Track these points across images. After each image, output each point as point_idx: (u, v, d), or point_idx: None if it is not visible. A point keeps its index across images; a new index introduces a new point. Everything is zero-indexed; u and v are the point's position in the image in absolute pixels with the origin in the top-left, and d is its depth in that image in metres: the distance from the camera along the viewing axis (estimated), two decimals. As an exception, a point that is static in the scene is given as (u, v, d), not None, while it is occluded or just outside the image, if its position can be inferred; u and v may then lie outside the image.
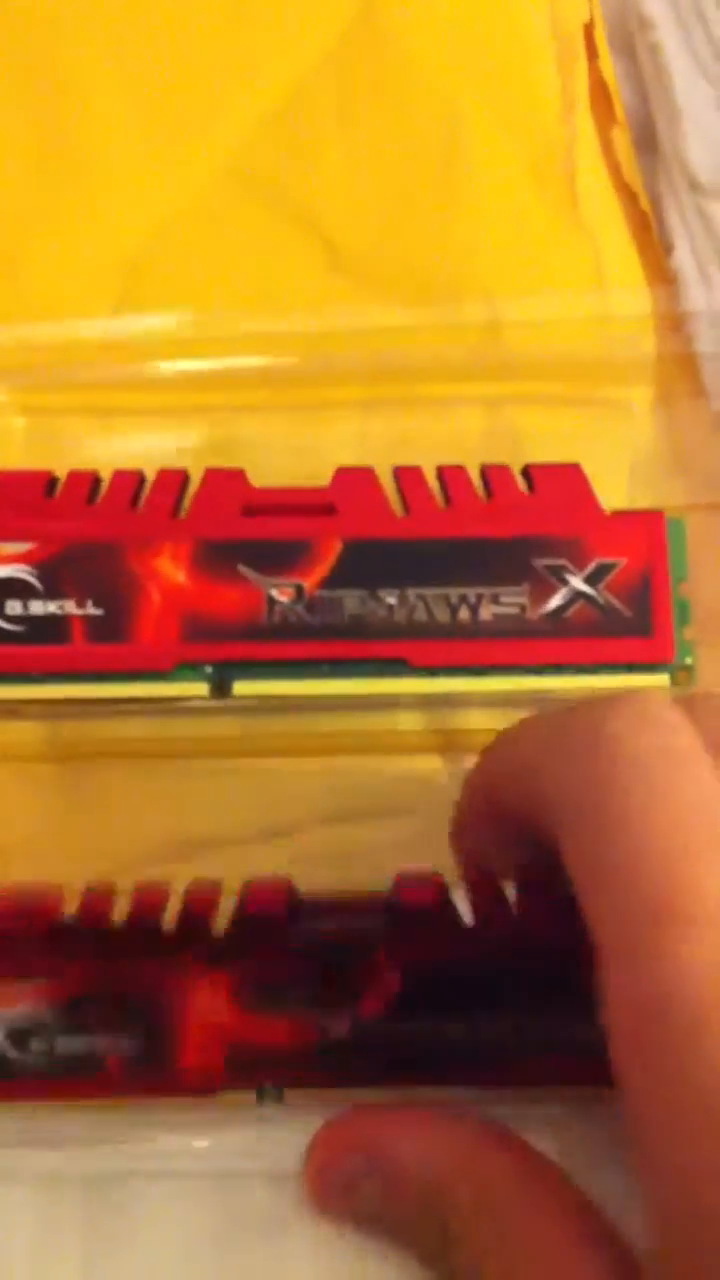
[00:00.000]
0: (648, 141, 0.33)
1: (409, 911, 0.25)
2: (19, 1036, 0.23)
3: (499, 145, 0.33)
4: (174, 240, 0.32)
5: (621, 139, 0.33)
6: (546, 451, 0.29)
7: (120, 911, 0.25)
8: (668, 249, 0.32)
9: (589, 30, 0.34)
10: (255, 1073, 0.24)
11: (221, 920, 0.25)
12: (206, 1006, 0.24)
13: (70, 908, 0.25)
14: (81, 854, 0.29)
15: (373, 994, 0.23)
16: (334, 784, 0.29)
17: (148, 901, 0.25)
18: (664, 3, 0.33)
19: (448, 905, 0.25)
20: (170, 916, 0.25)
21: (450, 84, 0.33)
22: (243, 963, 0.24)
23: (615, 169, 0.33)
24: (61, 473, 0.29)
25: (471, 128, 0.33)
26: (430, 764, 0.29)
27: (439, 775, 0.29)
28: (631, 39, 0.34)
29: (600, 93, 0.33)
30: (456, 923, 0.25)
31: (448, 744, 0.29)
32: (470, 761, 0.27)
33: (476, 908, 0.25)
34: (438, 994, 0.24)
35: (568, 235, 0.32)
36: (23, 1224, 0.25)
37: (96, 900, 0.25)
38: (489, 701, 0.29)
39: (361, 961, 0.24)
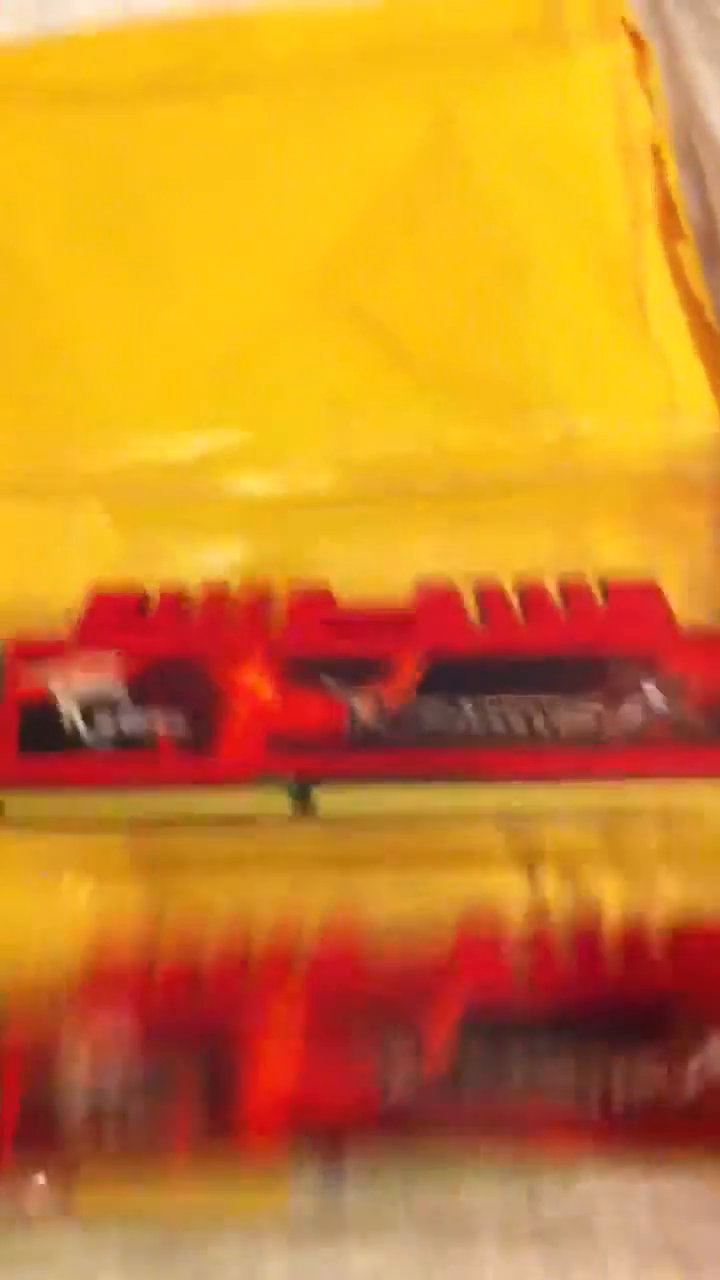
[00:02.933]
0: (712, 253, 0.34)
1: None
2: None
3: (568, 261, 0.34)
4: (254, 357, 0.33)
5: (688, 252, 0.34)
6: (619, 566, 0.30)
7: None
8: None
9: (656, 144, 0.34)
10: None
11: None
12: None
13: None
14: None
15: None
16: (412, 900, 0.29)
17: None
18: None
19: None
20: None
21: (519, 200, 0.34)
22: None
23: (682, 282, 0.33)
24: (153, 587, 0.30)
25: (540, 244, 0.34)
26: (510, 879, 0.30)
27: (518, 891, 0.30)
28: (694, 150, 0.35)
29: (666, 206, 0.34)
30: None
31: (528, 858, 0.30)
32: (551, 876, 0.28)
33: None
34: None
35: (637, 350, 0.33)
36: None
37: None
38: (568, 814, 0.29)
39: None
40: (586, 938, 0.28)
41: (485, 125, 0.35)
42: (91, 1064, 0.26)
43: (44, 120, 0.36)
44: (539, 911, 0.28)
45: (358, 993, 0.27)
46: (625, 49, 0.36)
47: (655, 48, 0.36)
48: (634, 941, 0.27)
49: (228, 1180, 0.26)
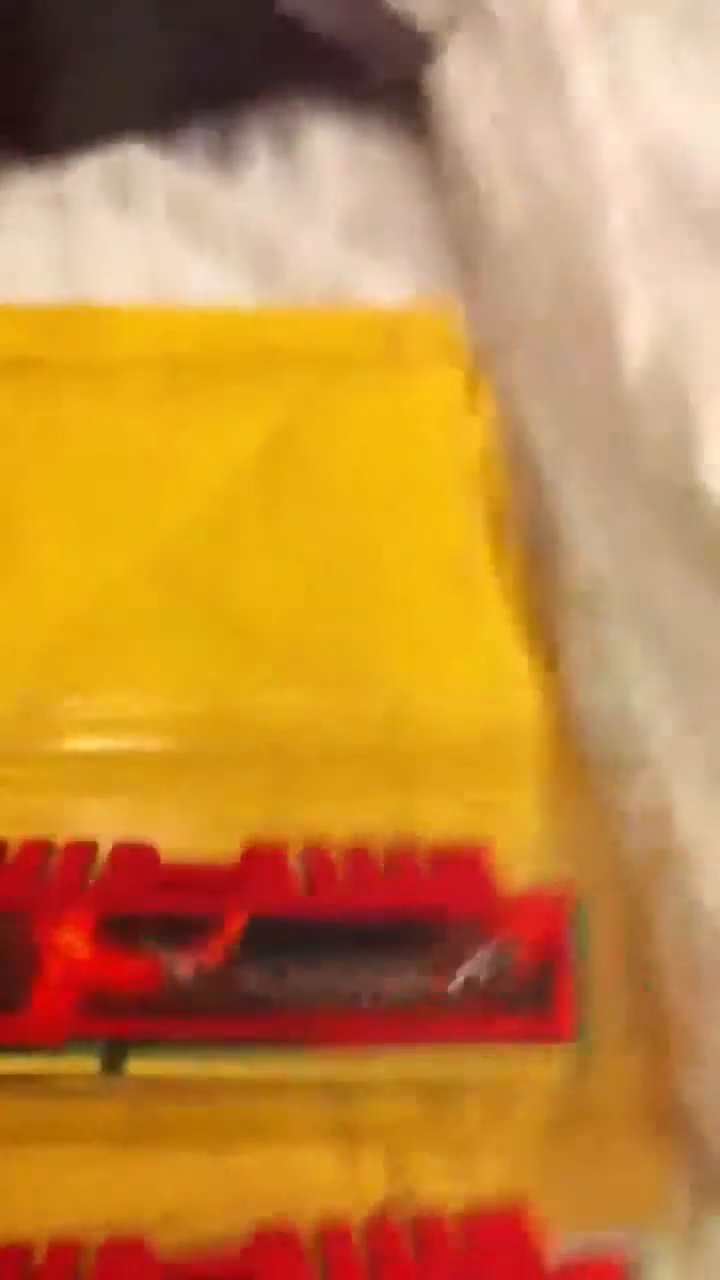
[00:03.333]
0: (538, 555, 0.37)
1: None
2: None
3: (404, 554, 0.35)
4: (92, 630, 0.34)
5: (514, 555, 0.36)
6: (444, 836, 0.30)
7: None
8: (559, 657, 0.35)
9: (485, 456, 0.37)
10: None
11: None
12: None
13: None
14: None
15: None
16: (225, 1179, 0.28)
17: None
18: (548, 441, 0.37)
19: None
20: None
21: (361, 498, 0.36)
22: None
23: (511, 585, 0.36)
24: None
25: (379, 539, 0.36)
26: (323, 1156, 0.28)
27: (332, 1168, 0.28)
28: (522, 468, 0.38)
29: (496, 517, 0.37)
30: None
31: (346, 1133, 0.29)
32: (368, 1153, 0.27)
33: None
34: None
35: (465, 638, 0.34)
36: None
37: None
38: (393, 1090, 0.28)
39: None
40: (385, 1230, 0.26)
41: (331, 429, 0.37)
42: None
43: None
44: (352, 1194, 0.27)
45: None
46: (458, 378, 0.39)
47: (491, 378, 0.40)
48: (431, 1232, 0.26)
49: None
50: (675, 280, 0.37)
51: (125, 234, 0.45)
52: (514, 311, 0.40)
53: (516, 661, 0.34)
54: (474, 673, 0.34)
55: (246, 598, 0.34)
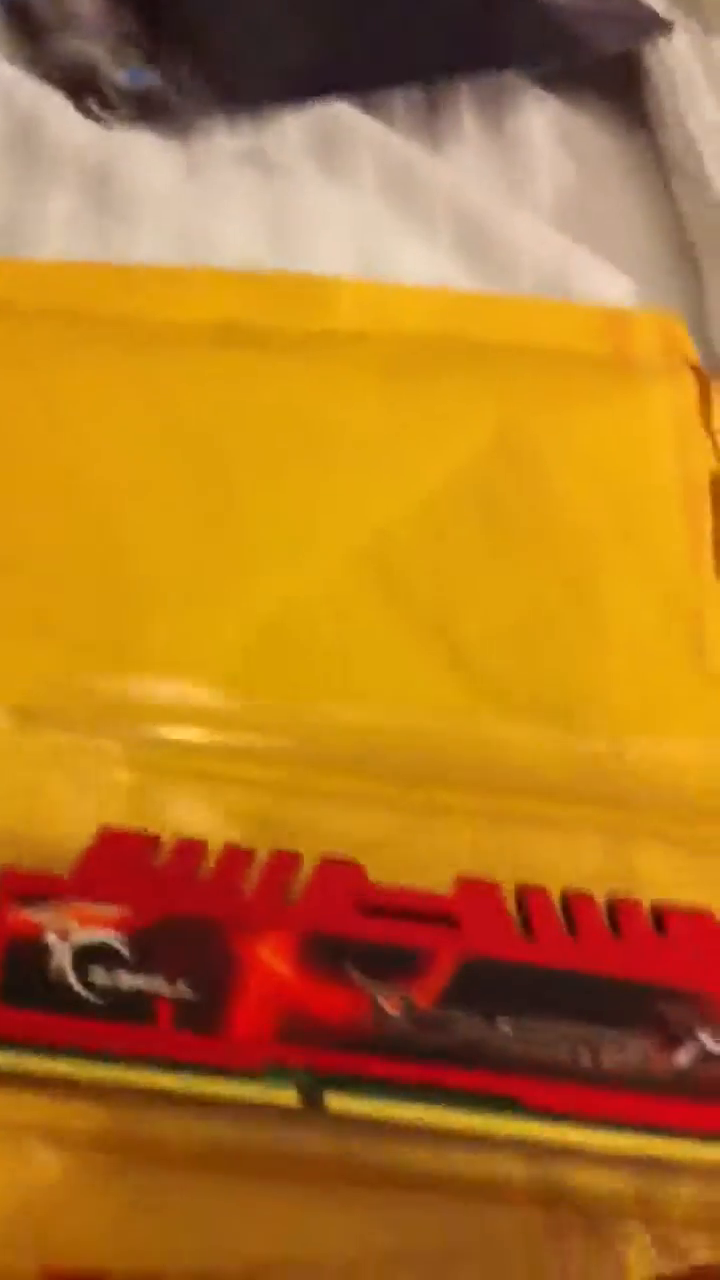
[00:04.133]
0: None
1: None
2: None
3: (627, 582, 0.33)
4: (306, 628, 0.32)
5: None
6: (664, 891, 0.28)
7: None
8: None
9: (716, 482, 0.35)
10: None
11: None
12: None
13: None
14: (132, 1254, 0.25)
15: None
16: (422, 1224, 0.26)
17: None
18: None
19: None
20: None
21: (583, 517, 0.34)
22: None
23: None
24: (168, 838, 0.27)
25: (602, 563, 0.33)
26: (529, 1217, 0.26)
27: (536, 1230, 0.26)
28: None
29: (727, 544, 0.34)
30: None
31: (552, 1198, 0.27)
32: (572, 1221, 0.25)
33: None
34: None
35: (691, 678, 0.32)
36: None
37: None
38: (603, 1159, 0.26)
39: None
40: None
41: (554, 436, 0.35)
42: None
43: (119, 356, 0.35)
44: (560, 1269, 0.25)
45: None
46: (690, 386, 0.36)
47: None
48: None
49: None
50: None
51: (334, 199, 0.43)
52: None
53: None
54: (698, 713, 0.32)
55: (468, 618, 0.32)
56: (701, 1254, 0.26)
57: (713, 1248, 0.26)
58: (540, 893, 0.27)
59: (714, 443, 0.36)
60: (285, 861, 0.27)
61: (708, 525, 0.34)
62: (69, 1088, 0.26)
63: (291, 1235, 0.26)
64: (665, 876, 0.29)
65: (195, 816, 0.29)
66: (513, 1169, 0.26)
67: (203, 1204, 0.26)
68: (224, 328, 0.36)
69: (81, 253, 0.39)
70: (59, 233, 0.39)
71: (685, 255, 0.43)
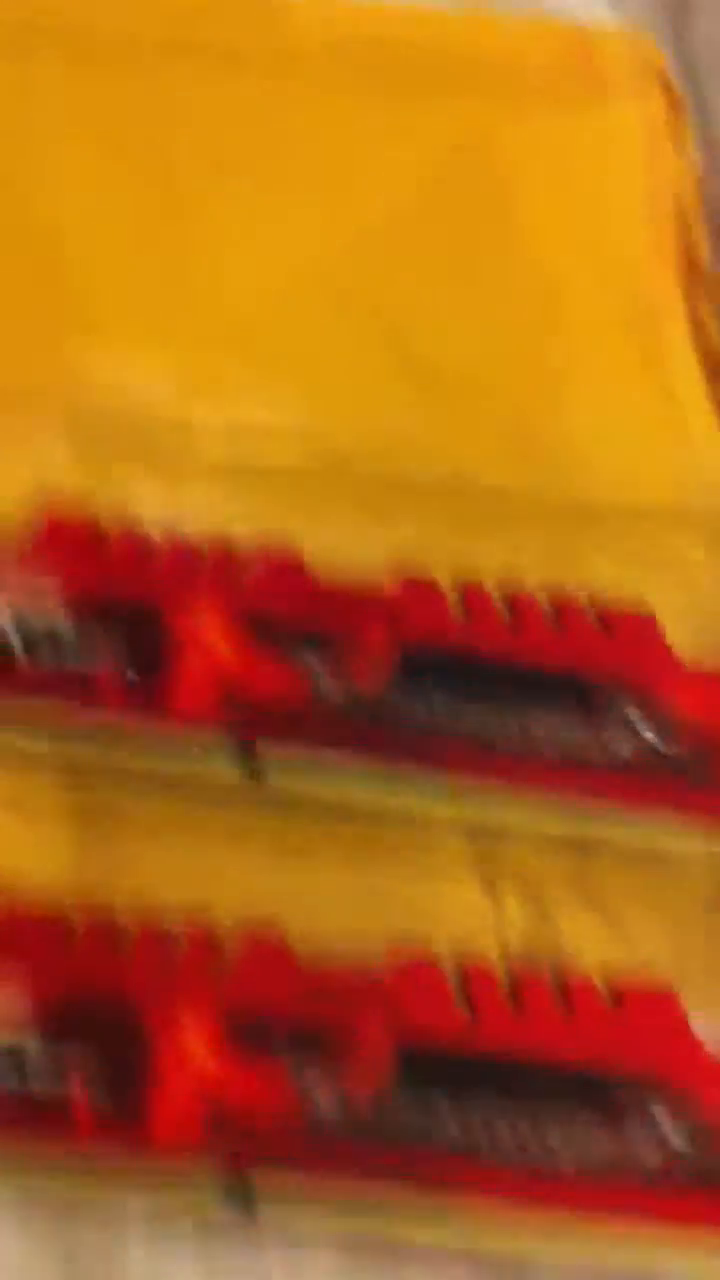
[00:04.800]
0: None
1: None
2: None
3: (590, 296, 0.33)
4: (262, 331, 0.31)
5: (705, 306, 0.33)
6: (612, 593, 0.28)
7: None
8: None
9: (682, 200, 0.34)
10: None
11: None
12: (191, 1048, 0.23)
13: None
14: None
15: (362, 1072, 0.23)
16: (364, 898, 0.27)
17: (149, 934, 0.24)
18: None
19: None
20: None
21: (547, 230, 0.33)
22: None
23: (700, 331, 0.33)
24: (110, 519, 0.27)
25: (564, 276, 0.33)
26: (467, 893, 0.27)
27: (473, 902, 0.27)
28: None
29: (689, 259, 0.34)
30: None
31: (489, 872, 0.27)
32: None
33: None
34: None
35: (651, 389, 0.32)
36: None
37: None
38: (535, 837, 0.27)
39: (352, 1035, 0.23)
40: (530, 979, 0.25)
41: (518, 149, 0.34)
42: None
43: (67, 68, 0.34)
44: (497, 935, 0.26)
45: (281, 1006, 0.24)
46: (660, 104, 0.35)
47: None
48: (582, 993, 0.25)
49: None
50: None
51: None
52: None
53: (701, 417, 0.32)
54: (655, 426, 0.31)
55: (423, 329, 0.32)
56: (649, 943, 0.27)
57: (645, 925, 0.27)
58: (479, 584, 0.27)
59: (681, 161, 0.35)
60: (226, 548, 0.27)
61: (671, 241, 0.34)
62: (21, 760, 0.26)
63: (243, 899, 0.26)
64: (612, 581, 0.29)
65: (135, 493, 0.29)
66: (454, 844, 0.27)
67: (159, 865, 0.26)
68: (176, 41, 0.34)
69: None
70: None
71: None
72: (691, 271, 0.34)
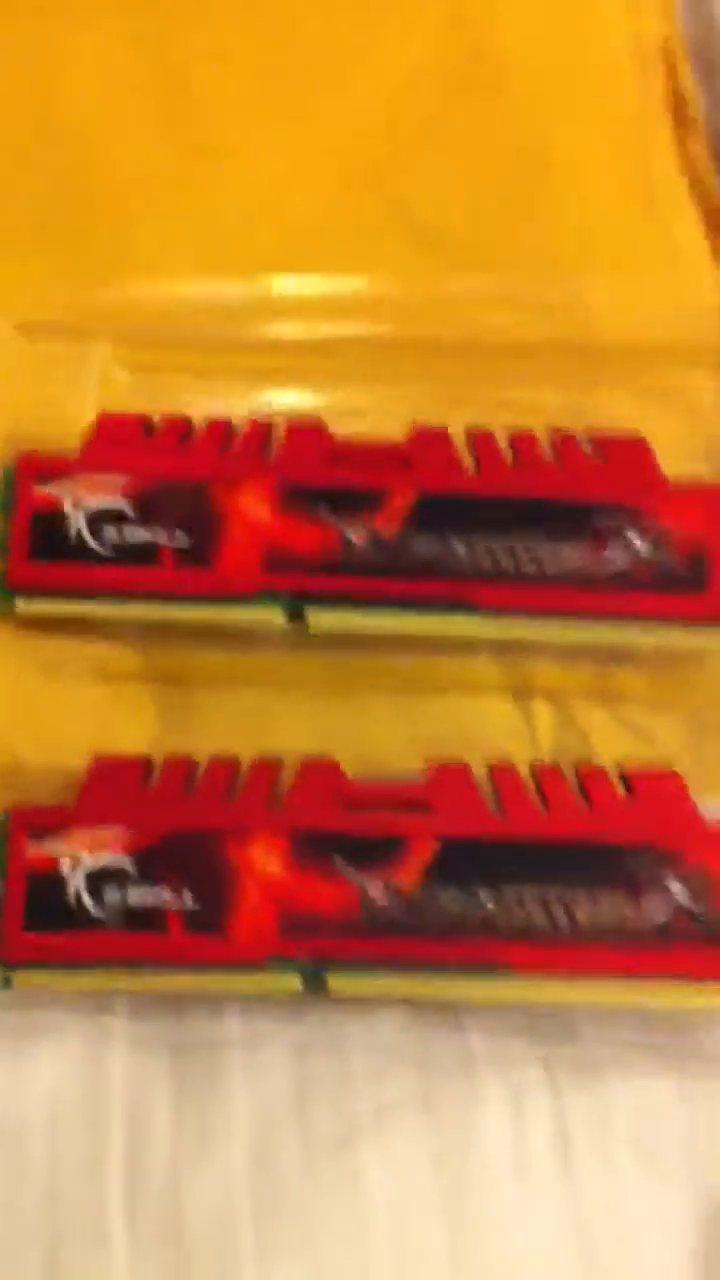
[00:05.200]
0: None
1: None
2: (96, 885, 0.27)
3: (583, 146, 0.35)
4: (276, 212, 0.34)
5: (696, 143, 0.35)
6: (616, 423, 0.31)
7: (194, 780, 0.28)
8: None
9: (668, 45, 0.36)
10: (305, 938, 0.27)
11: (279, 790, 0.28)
12: (263, 866, 0.27)
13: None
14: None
15: (409, 864, 0.27)
16: (409, 723, 0.31)
17: (219, 772, 0.28)
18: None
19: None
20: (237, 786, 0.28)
21: (538, 91, 0.36)
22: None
23: (691, 169, 0.35)
24: (157, 416, 0.31)
25: (557, 131, 0.35)
26: (501, 708, 0.31)
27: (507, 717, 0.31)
28: (712, 64, 0.37)
29: (678, 102, 0.36)
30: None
31: (520, 689, 0.32)
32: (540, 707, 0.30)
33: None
34: (468, 866, 0.27)
35: (645, 226, 0.34)
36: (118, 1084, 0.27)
37: (176, 767, 0.29)
38: (558, 650, 0.31)
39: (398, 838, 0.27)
40: (554, 776, 0.29)
41: (509, 16, 0.36)
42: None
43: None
44: (529, 740, 0.31)
45: (336, 820, 0.28)
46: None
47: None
48: (597, 782, 0.29)
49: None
50: None
51: None
52: None
53: (698, 248, 0.34)
54: (654, 265, 0.34)
55: (425, 188, 0.35)
56: (665, 737, 0.31)
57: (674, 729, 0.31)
58: (486, 433, 0.30)
59: (664, 9, 0.36)
60: (260, 427, 0.31)
61: (659, 83, 0.36)
62: (102, 630, 0.31)
63: (299, 735, 0.31)
64: (615, 412, 0.32)
65: (186, 402, 0.32)
66: (485, 667, 0.31)
67: (217, 712, 0.31)
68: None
69: None
70: None
71: None
72: (682, 114, 0.35)
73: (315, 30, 0.36)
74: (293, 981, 0.28)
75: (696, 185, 0.35)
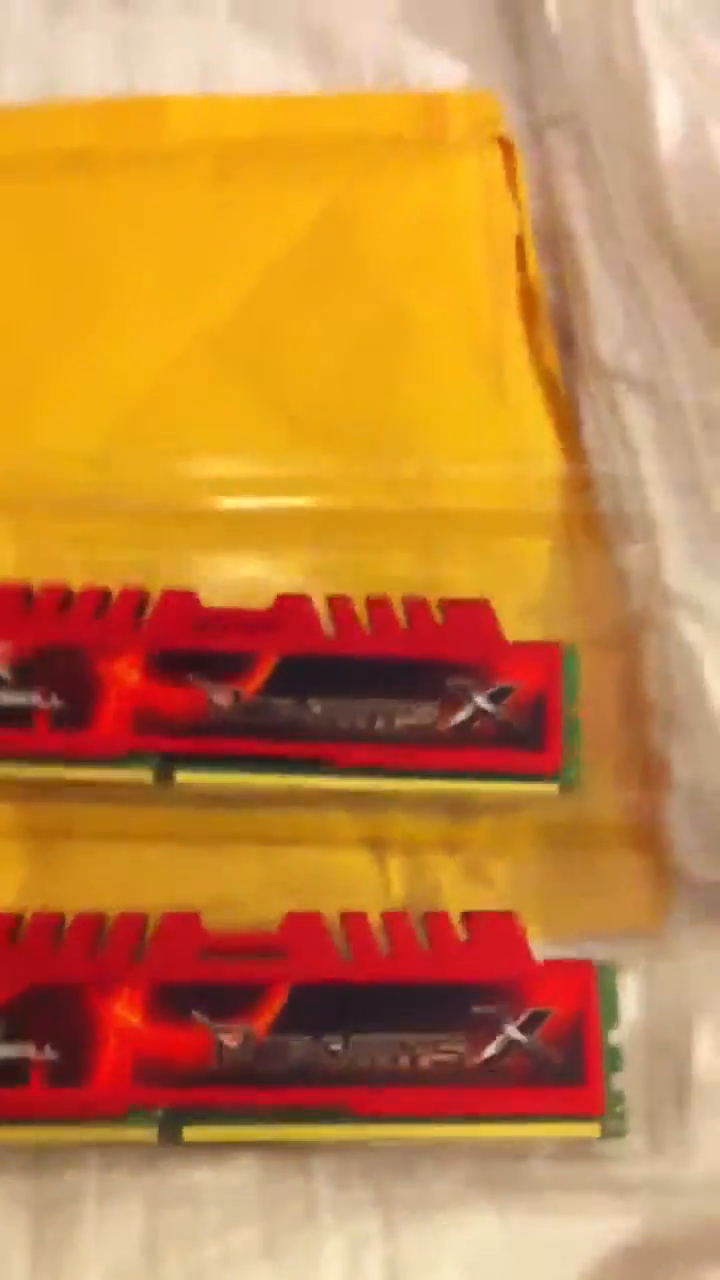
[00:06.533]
0: (567, 338, 0.39)
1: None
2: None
3: (438, 332, 0.38)
4: (158, 397, 0.37)
5: (544, 334, 0.38)
6: (462, 590, 0.34)
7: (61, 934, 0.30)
8: (579, 426, 0.37)
9: (520, 241, 0.39)
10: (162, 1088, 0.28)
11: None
12: (124, 1018, 0.28)
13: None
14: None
15: (263, 1011, 0.28)
16: (269, 874, 0.33)
17: (84, 925, 0.30)
18: (584, 219, 0.39)
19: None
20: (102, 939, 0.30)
21: (398, 279, 0.39)
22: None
23: (537, 355, 0.38)
24: (37, 584, 0.33)
25: (414, 318, 0.38)
26: (357, 859, 0.33)
27: (364, 869, 0.33)
28: (558, 248, 0.40)
29: (527, 292, 0.39)
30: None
31: (376, 842, 0.34)
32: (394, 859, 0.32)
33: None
34: (317, 1012, 0.29)
35: (494, 408, 0.37)
36: None
37: (43, 922, 0.30)
38: (409, 803, 0.33)
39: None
40: (401, 922, 0.30)
41: (373, 210, 0.40)
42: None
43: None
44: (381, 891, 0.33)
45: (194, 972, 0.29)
46: (497, 158, 0.41)
47: (532, 160, 0.41)
48: (439, 927, 0.30)
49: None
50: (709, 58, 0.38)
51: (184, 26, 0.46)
52: (558, 93, 0.41)
53: (543, 430, 0.37)
54: (500, 440, 0.37)
55: (293, 372, 0.38)
56: (503, 882, 0.33)
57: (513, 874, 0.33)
58: (345, 600, 0.33)
59: (517, 206, 0.40)
60: (133, 595, 0.33)
61: (512, 278, 0.39)
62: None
63: (162, 887, 0.32)
64: (466, 580, 0.35)
65: (68, 568, 0.34)
66: (342, 821, 0.33)
67: (84, 867, 0.33)
68: (71, 150, 0.40)
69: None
70: None
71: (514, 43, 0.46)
72: (530, 301, 0.39)
73: (198, 230, 0.39)
74: (150, 1132, 0.29)
75: (541, 369, 0.38)
